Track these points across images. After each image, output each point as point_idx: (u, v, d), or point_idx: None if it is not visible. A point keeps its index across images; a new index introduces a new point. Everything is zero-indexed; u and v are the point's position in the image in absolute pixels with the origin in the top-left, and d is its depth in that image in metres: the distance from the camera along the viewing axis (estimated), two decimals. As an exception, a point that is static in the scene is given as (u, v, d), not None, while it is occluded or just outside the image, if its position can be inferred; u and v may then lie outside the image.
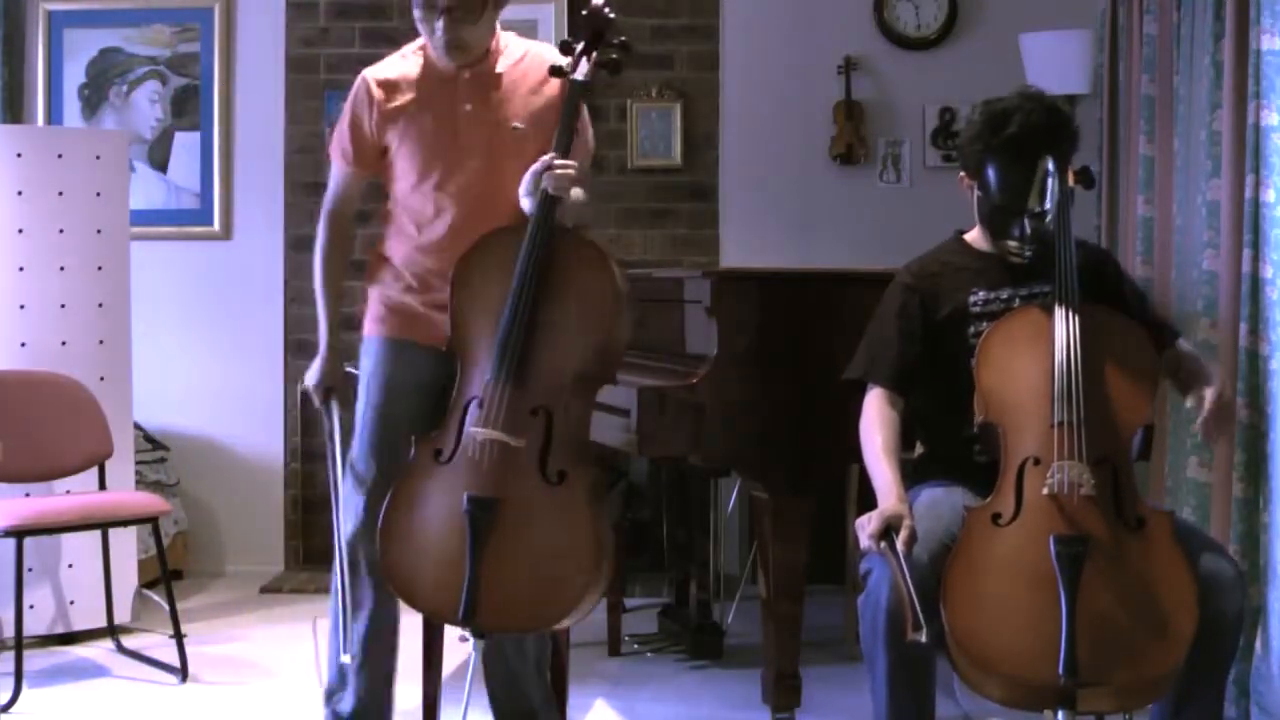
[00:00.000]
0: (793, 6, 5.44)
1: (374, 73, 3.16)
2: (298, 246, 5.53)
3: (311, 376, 3.22)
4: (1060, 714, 2.44)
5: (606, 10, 3.01)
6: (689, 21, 5.47)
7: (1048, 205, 2.79)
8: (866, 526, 2.60)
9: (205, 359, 5.53)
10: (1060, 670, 2.41)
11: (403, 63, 3.18)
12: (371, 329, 3.23)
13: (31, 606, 4.25)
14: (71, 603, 4.45)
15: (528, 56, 3.13)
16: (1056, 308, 2.74)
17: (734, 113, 5.47)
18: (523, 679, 3.22)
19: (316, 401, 3.20)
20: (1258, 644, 3.38)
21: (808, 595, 3.46)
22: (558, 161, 2.87)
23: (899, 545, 2.55)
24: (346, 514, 3.09)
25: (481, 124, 3.07)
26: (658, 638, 4.40)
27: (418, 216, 3.12)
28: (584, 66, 2.98)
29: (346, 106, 3.16)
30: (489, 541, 2.70)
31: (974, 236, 2.99)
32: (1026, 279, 2.86)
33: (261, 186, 5.55)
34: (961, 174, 2.96)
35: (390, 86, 3.12)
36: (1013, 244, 2.86)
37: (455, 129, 3.08)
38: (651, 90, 5.46)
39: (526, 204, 2.91)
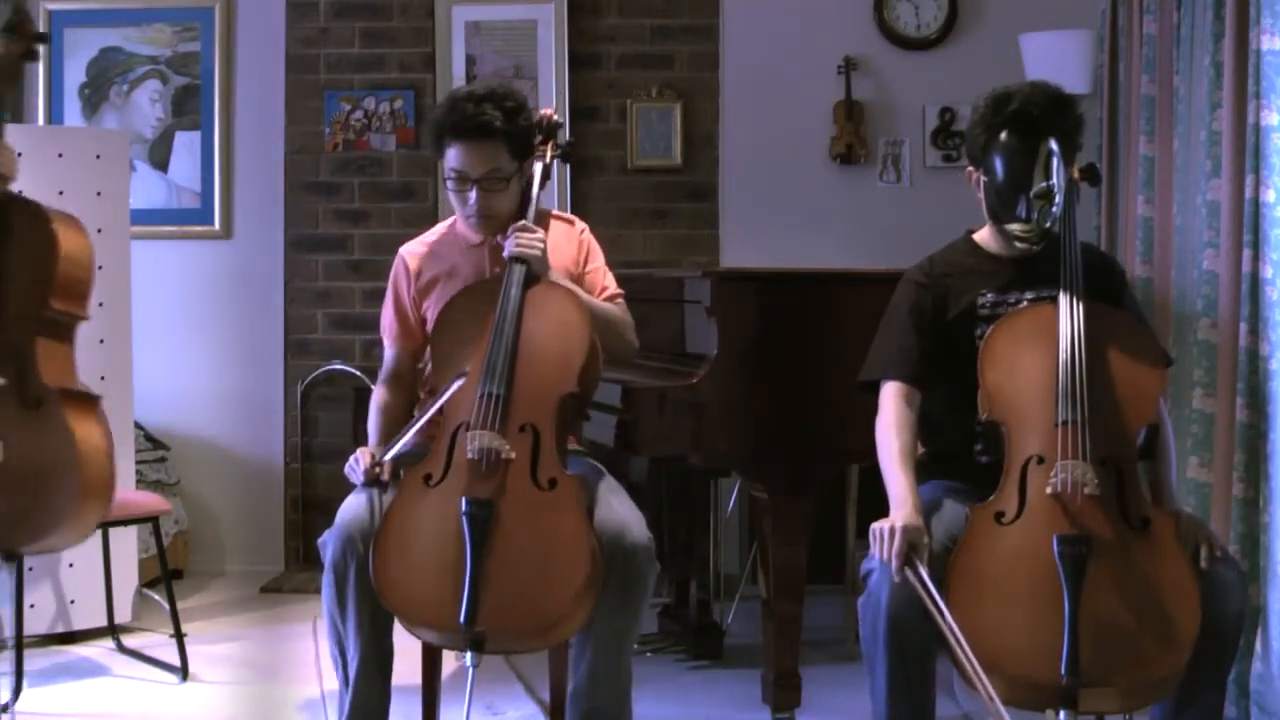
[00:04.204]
0: (793, 6, 5.44)
1: (408, 249, 3.39)
2: (298, 246, 5.54)
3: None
4: (1062, 714, 2.45)
5: (555, 117, 3.42)
6: (689, 21, 5.47)
7: (1052, 182, 2.79)
8: (886, 540, 2.59)
9: (205, 359, 5.53)
10: (1062, 670, 2.41)
11: (434, 237, 3.41)
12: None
13: (32, 606, 4.24)
14: (72, 602, 4.45)
15: (549, 219, 3.38)
16: (1061, 304, 2.74)
17: (734, 113, 5.47)
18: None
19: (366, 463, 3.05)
20: (1258, 644, 3.38)
21: (808, 595, 3.46)
22: (520, 229, 3.13)
23: (923, 570, 2.54)
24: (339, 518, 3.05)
25: None
26: (658, 638, 4.40)
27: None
28: (545, 157, 3.36)
29: (389, 285, 3.38)
30: (487, 542, 2.76)
31: (984, 237, 2.99)
32: (1035, 282, 2.86)
33: (261, 186, 5.55)
34: (969, 169, 2.95)
35: (423, 260, 3.35)
36: (1018, 227, 2.85)
37: None
38: (651, 90, 5.46)
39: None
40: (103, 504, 3.34)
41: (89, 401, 3.38)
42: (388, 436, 3.16)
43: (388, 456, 2.98)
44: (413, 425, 3.03)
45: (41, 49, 3.68)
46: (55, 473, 3.24)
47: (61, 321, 3.44)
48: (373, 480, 2.99)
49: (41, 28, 5.49)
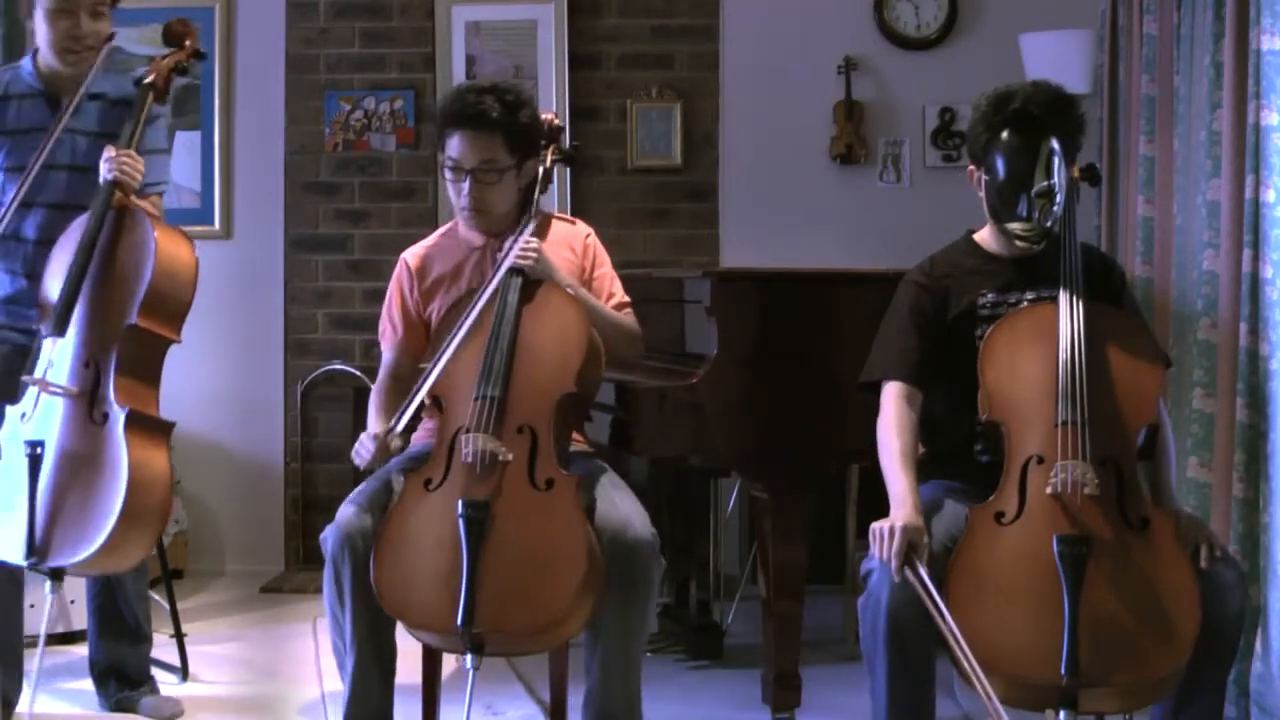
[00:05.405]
0: (793, 6, 5.43)
1: (411, 253, 3.41)
2: (298, 246, 5.54)
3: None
4: (1062, 714, 2.45)
5: (556, 121, 3.44)
6: (689, 21, 5.47)
7: (1053, 181, 2.79)
8: (886, 540, 2.59)
9: (205, 359, 5.51)
10: (1062, 670, 2.41)
11: (436, 241, 3.44)
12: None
13: (31, 606, 4.24)
14: (72, 602, 4.44)
15: (550, 221, 3.39)
16: (1062, 303, 2.74)
17: (734, 113, 5.47)
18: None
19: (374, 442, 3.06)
20: (1258, 644, 3.38)
21: (808, 595, 3.46)
22: (520, 240, 3.15)
23: (922, 570, 2.54)
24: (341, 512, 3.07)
25: None
26: (658, 638, 4.39)
27: None
28: (545, 161, 3.37)
29: (390, 288, 3.39)
30: (484, 543, 2.76)
31: (984, 237, 3.00)
32: (1035, 282, 2.86)
33: (261, 186, 5.55)
34: (970, 167, 2.95)
35: (426, 262, 3.37)
36: (1018, 226, 2.85)
37: None
38: (651, 90, 5.46)
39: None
40: (148, 532, 3.29)
41: (157, 428, 3.34)
42: (390, 415, 3.12)
43: (398, 428, 2.96)
44: (417, 391, 2.98)
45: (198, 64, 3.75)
46: (102, 489, 3.19)
47: (144, 339, 3.37)
48: (384, 452, 2.98)
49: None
